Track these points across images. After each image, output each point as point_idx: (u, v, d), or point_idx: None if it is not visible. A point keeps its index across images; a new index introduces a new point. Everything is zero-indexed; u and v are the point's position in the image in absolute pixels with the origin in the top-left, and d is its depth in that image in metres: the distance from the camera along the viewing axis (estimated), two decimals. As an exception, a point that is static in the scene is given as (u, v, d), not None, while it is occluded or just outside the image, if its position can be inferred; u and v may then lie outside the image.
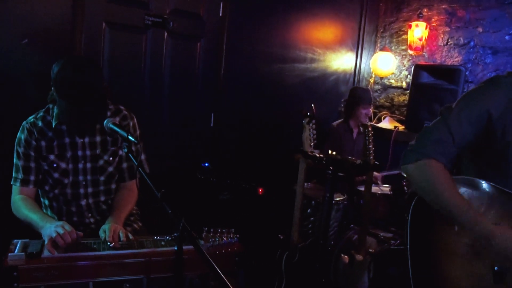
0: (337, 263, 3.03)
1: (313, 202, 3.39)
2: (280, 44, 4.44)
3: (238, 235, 2.14)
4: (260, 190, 3.48)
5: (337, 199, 3.49)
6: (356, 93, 4.23)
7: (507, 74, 1.68)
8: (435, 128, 1.66)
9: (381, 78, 5.59)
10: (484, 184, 1.62)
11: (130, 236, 2.12)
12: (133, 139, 1.86)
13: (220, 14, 3.88)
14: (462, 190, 1.62)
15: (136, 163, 1.80)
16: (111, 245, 1.99)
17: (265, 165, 4.10)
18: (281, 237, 3.29)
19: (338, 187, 3.62)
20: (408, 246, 1.65)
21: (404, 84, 5.46)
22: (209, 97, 3.95)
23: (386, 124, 5.16)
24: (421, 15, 5.26)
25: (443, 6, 5.27)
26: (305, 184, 3.66)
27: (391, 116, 5.35)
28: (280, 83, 4.48)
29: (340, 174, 2.68)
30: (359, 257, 2.79)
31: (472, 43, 5.07)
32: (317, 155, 2.65)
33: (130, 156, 1.84)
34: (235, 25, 3.96)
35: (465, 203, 1.56)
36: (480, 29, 4.98)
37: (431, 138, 1.63)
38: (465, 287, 1.60)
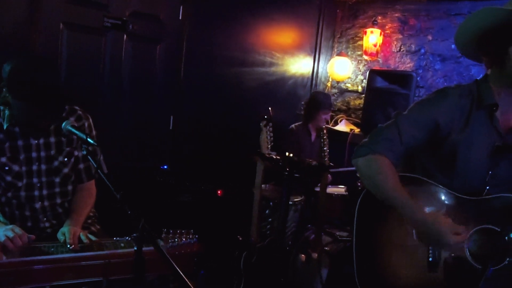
0: (295, 262, 3.12)
1: (271, 203, 3.46)
2: (240, 48, 4.50)
3: (197, 236, 2.17)
4: (219, 192, 3.52)
5: (295, 200, 3.58)
6: (317, 98, 4.32)
7: (454, 86, 1.83)
8: (386, 128, 1.78)
9: (338, 82, 5.75)
10: (428, 183, 1.75)
11: (92, 238, 2.11)
12: (92, 141, 1.86)
13: (180, 17, 3.90)
14: (406, 186, 1.73)
15: (95, 165, 1.79)
16: (71, 248, 1.97)
17: (224, 167, 4.15)
18: (240, 238, 3.34)
19: (296, 188, 3.71)
20: (354, 239, 1.76)
21: (359, 88, 5.63)
22: (168, 100, 3.96)
23: (343, 127, 5.31)
24: (375, 22, 5.45)
25: (396, 15, 5.48)
26: (264, 185, 3.74)
27: (347, 119, 5.51)
28: (239, 86, 4.54)
29: (296, 175, 2.76)
30: (315, 256, 2.88)
31: (422, 50, 5.30)
32: (274, 157, 2.72)
33: (90, 158, 1.84)
34: (195, 29, 3.99)
35: (406, 194, 1.69)
36: (430, 37, 5.21)
37: (382, 136, 1.75)
38: (403, 277, 1.72)
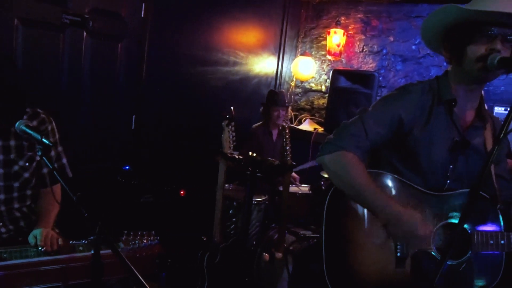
0: (259, 262, 3.12)
1: (234, 203, 3.45)
2: (203, 47, 4.46)
3: (158, 237, 2.14)
4: (182, 192, 3.48)
5: (258, 199, 3.58)
6: (269, 95, 4.34)
7: (417, 82, 1.87)
8: (351, 124, 1.79)
9: (302, 81, 5.79)
10: (395, 178, 1.78)
11: (60, 241, 2.05)
12: (47, 142, 1.79)
13: (142, 15, 3.83)
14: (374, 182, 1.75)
15: (50, 167, 1.74)
16: (42, 250, 1.93)
17: (187, 167, 4.11)
18: (204, 238, 3.32)
19: (260, 188, 3.71)
20: (323, 237, 1.76)
21: (323, 88, 5.70)
22: (130, 99, 3.89)
23: (307, 126, 5.36)
24: (339, 22, 5.52)
25: (359, 15, 5.57)
26: (227, 185, 3.73)
27: (311, 119, 5.57)
28: (203, 85, 4.51)
29: (259, 175, 2.76)
30: (279, 255, 2.89)
31: (384, 51, 5.41)
32: (236, 157, 2.71)
33: (45, 159, 1.78)
34: (157, 27, 3.93)
35: (377, 188, 1.71)
36: (391, 38, 5.32)
37: (347, 132, 1.76)
38: (372, 273, 1.74)
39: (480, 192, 1.71)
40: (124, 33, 3.73)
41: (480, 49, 1.60)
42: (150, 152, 4.04)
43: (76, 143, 3.41)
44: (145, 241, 2.13)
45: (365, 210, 1.75)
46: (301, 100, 5.89)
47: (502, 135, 1.35)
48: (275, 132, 4.32)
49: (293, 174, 4.24)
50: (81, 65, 3.49)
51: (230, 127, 2.70)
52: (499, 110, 4.45)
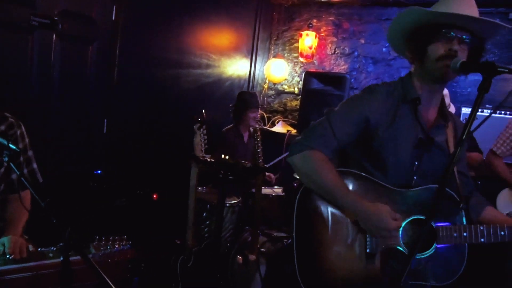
0: (233, 265, 3.12)
1: (208, 206, 3.45)
2: (176, 50, 4.45)
3: (130, 242, 2.12)
4: (155, 196, 3.46)
5: (232, 202, 3.59)
6: (243, 97, 4.29)
7: (382, 83, 1.92)
8: (319, 124, 1.82)
9: (275, 84, 5.83)
10: (363, 177, 1.81)
11: (30, 248, 2.01)
12: (14, 147, 1.76)
13: (113, 18, 3.79)
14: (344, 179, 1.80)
15: (18, 173, 1.71)
16: (11, 258, 1.88)
17: (161, 171, 4.09)
18: (178, 242, 3.31)
19: (234, 191, 3.72)
20: (294, 238, 1.79)
21: (296, 90, 5.75)
22: (102, 103, 3.84)
23: (280, 128, 5.39)
24: (311, 25, 5.58)
25: (331, 18, 5.64)
26: (201, 188, 3.72)
27: (284, 121, 5.61)
28: (175, 88, 4.49)
29: (231, 177, 2.77)
30: (252, 257, 2.90)
31: (356, 53, 5.50)
32: (208, 160, 2.71)
33: (12, 165, 1.75)
34: (129, 29, 3.90)
35: (346, 186, 1.76)
36: (362, 41, 5.41)
37: (315, 132, 1.80)
38: (343, 270, 1.77)
39: (446, 188, 1.77)
40: (95, 36, 3.69)
41: (440, 49, 1.68)
42: (122, 156, 4.00)
43: (47, 148, 3.36)
44: (116, 246, 2.11)
45: (335, 209, 1.78)
46: (274, 102, 5.93)
47: (464, 136, 1.40)
48: (246, 135, 4.31)
49: (270, 174, 4.27)
50: (50, 68, 3.43)
51: (201, 130, 2.70)
52: (466, 111, 4.57)
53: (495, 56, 4.77)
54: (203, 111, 2.76)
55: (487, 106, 4.60)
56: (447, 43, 1.67)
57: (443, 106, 1.90)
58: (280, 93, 5.91)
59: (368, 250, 1.75)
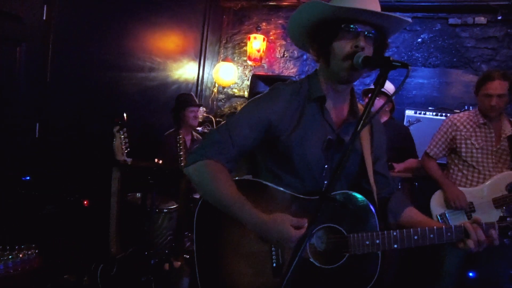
0: (159, 272, 3.01)
1: (140, 211, 3.32)
2: (116, 52, 4.32)
3: (37, 250, 2.01)
4: (86, 202, 3.32)
5: (170, 207, 3.48)
6: (179, 99, 4.26)
7: (288, 82, 1.79)
8: (216, 131, 1.70)
9: (224, 87, 5.76)
10: (267, 186, 1.69)
11: None
12: None
13: (44, 17, 3.63)
14: (243, 192, 1.62)
15: None
16: None
17: (94, 176, 3.90)
18: (112, 250, 3.17)
19: (171, 195, 3.62)
20: (195, 252, 1.67)
21: (246, 94, 5.69)
22: (33, 106, 3.66)
23: (228, 132, 5.31)
24: (259, 28, 5.55)
25: (280, 21, 5.63)
26: (137, 193, 3.60)
27: (233, 125, 5.53)
28: (116, 91, 4.35)
29: (151, 181, 2.67)
30: (177, 264, 2.80)
31: (305, 56, 5.49)
32: (129, 163, 2.60)
33: None
34: (63, 30, 3.74)
35: (242, 199, 1.59)
36: (310, 44, 5.40)
37: (211, 140, 1.67)
38: (250, 285, 1.65)
39: (354, 192, 1.70)
40: (24, 36, 3.52)
41: (346, 46, 1.58)
42: (56, 161, 3.82)
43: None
44: (21, 255, 1.99)
45: (237, 221, 1.62)
46: (225, 106, 5.85)
47: (359, 127, 1.33)
48: (188, 138, 4.22)
49: None
50: (-27, 69, 3.25)
51: (122, 132, 2.59)
52: (409, 113, 4.61)
53: (437, 60, 4.84)
54: (124, 114, 2.65)
55: (429, 108, 4.67)
56: (352, 39, 1.58)
57: (353, 103, 1.79)
58: (230, 97, 5.84)
59: (274, 264, 1.65)
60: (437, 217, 3.18)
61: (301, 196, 1.69)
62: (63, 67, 3.79)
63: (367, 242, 1.65)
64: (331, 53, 1.62)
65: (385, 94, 3.58)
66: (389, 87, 3.66)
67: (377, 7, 1.60)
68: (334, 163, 1.72)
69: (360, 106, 1.84)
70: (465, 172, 3.21)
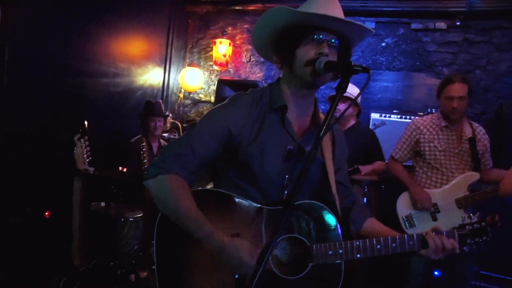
0: (126, 283, 2.93)
1: (105, 221, 3.24)
2: (79, 57, 4.20)
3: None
4: (47, 213, 3.21)
5: (136, 216, 3.40)
6: (145, 106, 4.19)
7: (249, 91, 1.76)
8: (177, 142, 1.65)
9: (190, 93, 5.70)
10: (229, 197, 1.65)
11: None
12: None
13: None
14: (205, 203, 1.60)
15: None
16: None
17: (56, 186, 3.77)
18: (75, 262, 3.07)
19: (137, 203, 3.54)
20: (155, 261, 1.62)
21: (212, 99, 5.64)
22: (-11, 113, 3.53)
23: (195, 138, 5.25)
24: (225, 32, 5.53)
25: (246, 26, 5.62)
26: (102, 203, 3.51)
27: (200, 130, 5.47)
28: (80, 97, 4.23)
29: (115, 191, 2.61)
30: (143, 275, 2.73)
31: (271, 61, 5.48)
32: (91, 172, 2.52)
33: None
34: (20, 33, 3.61)
35: (201, 217, 1.55)
36: (277, 48, 5.41)
37: (172, 152, 1.61)
38: None
39: (316, 201, 1.68)
40: (-23, 40, 3.39)
41: (309, 53, 1.57)
42: (14, 171, 3.68)
43: None
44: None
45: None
46: (191, 112, 5.79)
47: (322, 132, 1.33)
48: (155, 145, 4.15)
49: None
50: None
51: (82, 141, 2.51)
52: (375, 116, 4.67)
53: (401, 64, 4.93)
54: (85, 121, 2.57)
55: (394, 111, 4.74)
56: (316, 47, 1.57)
57: (316, 112, 1.77)
58: (196, 102, 5.79)
59: (236, 276, 1.59)
60: (403, 218, 3.22)
61: (263, 206, 1.65)
62: (21, 72, 3.67)
63: (330, 252, 1.63)
64: (295, 59, 1.60)
65: (350, 98, 3.61)
66: (354, 91, 3.70)
67: (341, 14, 1.60)
68: (295, 173, 1.68)
69: (322, 116, 1.81)
70: (429, 174, 3.26)
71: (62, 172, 3.79)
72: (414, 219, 3.21)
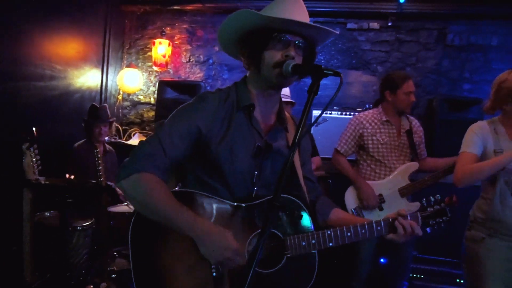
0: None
1: (53, 231, 3.10)
2: (11, 60, 3.96)
3: None
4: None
5: (84, 224, 3.29)
6: (90, 111, 4.09)
7: (215, 90, 1.80)
8: (147, 142, 1.66)
9: (129, 94, 5.57)
10: (201, 196, 1.68)
11: None
12: None
13: None
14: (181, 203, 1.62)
15: None
16: None
17: (3, 199, 3.56)
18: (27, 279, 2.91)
19: (86, 211, 3.42)
20: (132, 267, 1.61)
21: (152, 100, 5.56)
22: None
23: (136, 140, 5.15)
24: (164, 33, 5.45)
25: (184, 26, 5.57)
26: (48, 213, 3.35)
27: (141, 132, 5.37)
28: (12, 103, 3.97)
29: (69, 200, 2.51)
30: (104, 285, 2.65)
31: (211, 61, 5.50)
32: (43, 182, 2.41)
33: None
34: None
35: (182, 206, 1.58)
36: (216, 48, 5.43)
37: (143, 152, 1.62)
38: None
39: (287, 195, 1.74)
40: None
41: (276, 55, 1.63)
42: None
43: None
44: None
45: (174, 232, 1.61)
46: (130, 114, 5.66)
47: (297, 139, 1.38)
48: (100, 150, 4.01)
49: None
50: None
51: (32, 149, 2.39)
52: (316, 113, 4.82)
53: (338, 62, 5.13)
54: (34, 129, 2.45)
55: (335, 108, 4.92)
56: (283, 49, 1.63)
57: (281, 110, 1.85)
58: (136, 104, 5.66)
59: (214, 274, 1.64)
60: (351, 210, 3.38)
61: (240, 204, 1.70)
62: None
63: (304, 243, 1.70)
64: (262, 60, 1.66)
65: (291, 102, 3.84)
66: (286, 91, 3.87)
67: (306, 18, 1.66)
68: (263, 169, 1.75)
69: (287, 114, 1.91)
70: (373, 166, 3.44)
71: (8, 184, 3.58)
72: (362, 211, 3.37)
